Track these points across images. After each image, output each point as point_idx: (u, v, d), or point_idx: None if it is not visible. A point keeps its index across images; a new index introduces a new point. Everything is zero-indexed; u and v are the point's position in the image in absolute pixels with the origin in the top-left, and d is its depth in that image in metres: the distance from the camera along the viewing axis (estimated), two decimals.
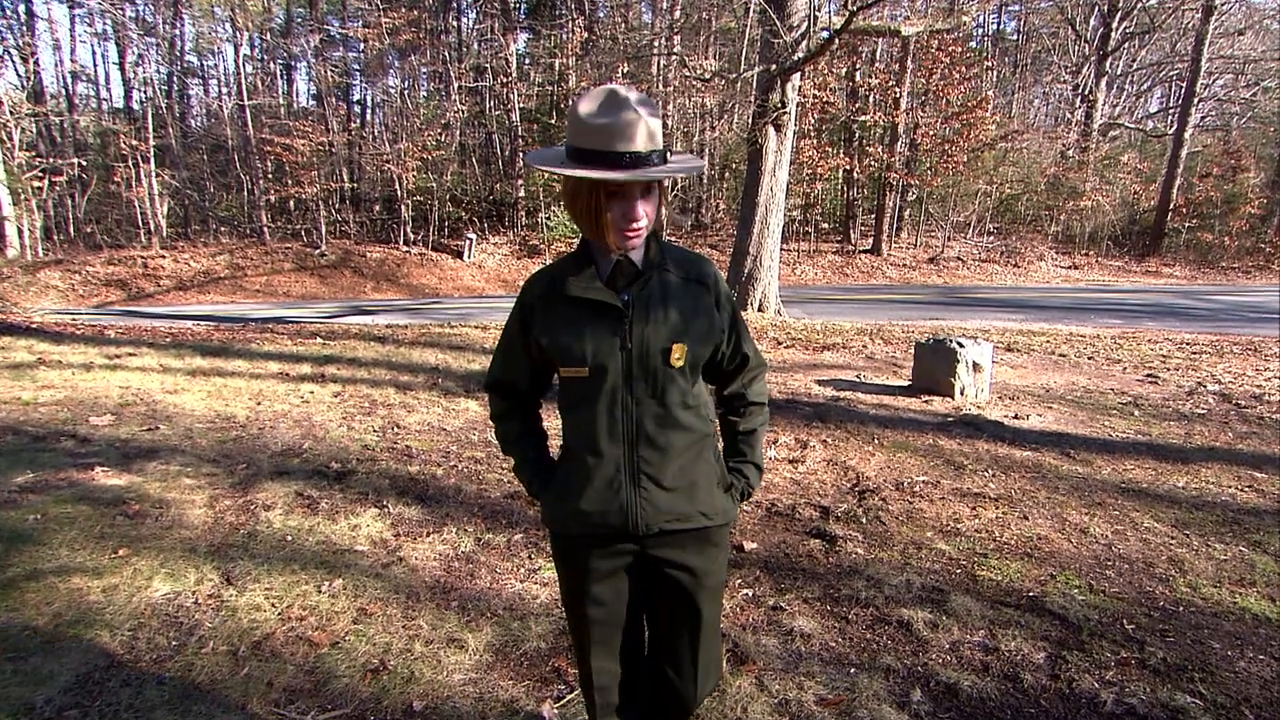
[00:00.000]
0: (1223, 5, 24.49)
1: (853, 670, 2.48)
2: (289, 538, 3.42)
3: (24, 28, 21.44)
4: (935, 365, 6.37)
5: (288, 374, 6.96)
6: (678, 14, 22.95)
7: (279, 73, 26.68)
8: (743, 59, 12.24)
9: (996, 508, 3.91)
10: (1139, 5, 26.18)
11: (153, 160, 19.97)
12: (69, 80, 22.83)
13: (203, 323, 11.15)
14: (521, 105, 24.29)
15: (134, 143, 19.63)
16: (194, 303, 16.66)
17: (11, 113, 18.57)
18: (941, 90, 21.94)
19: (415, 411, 5.82)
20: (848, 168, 23.20)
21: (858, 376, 7.12)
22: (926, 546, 3.42)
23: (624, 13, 25.46)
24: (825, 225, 25.97)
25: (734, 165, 25.31)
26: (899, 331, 9.98)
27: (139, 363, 7.16)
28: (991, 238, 25.29)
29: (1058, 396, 6.38)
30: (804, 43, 10.63)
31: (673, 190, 23.58)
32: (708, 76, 16.51)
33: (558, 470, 1.59)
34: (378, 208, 24.49)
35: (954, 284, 20.27)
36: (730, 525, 1.66)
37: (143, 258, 18.84)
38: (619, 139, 1.32)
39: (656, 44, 20.92)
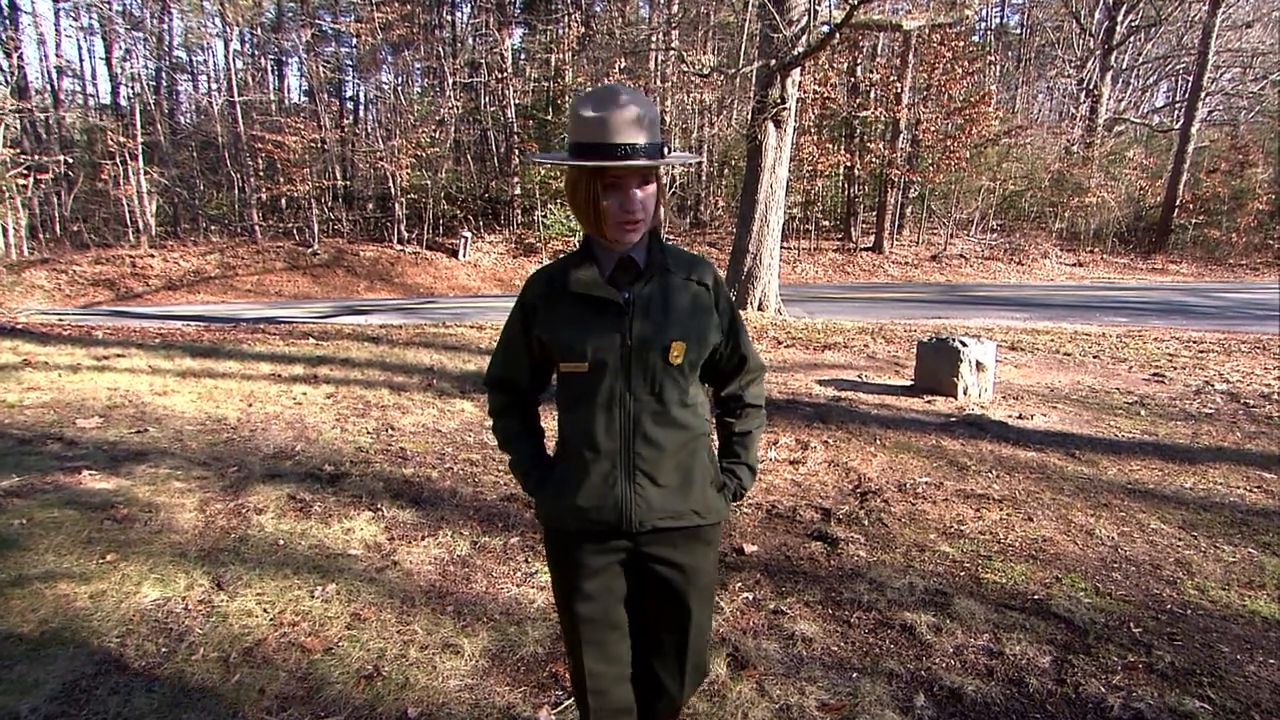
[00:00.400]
0: None
1: (855, 675, 2.48)
2: (281, 542, 3.42)
3: (7, 22, 21.37)
4: (938, 365, 6.37)
5: (280, 375, 6.95)
6: (675, 8, 22.97)
7: (270, 68, 26.69)
8: (742, 54, 12.22)
9: (1001, 509, 3.91)
10: None
11: (141, 157, 19.92)
12: (54, 76, 22.78)
13: (193, 323, 11.13)
14: (517, 101, 24.28)
15: (121, 139, 19.57)
16: (184, 303, 16.64)
17: None
18: (944, 85, 21.97)
19: (410, 413, 5.81)
20: (849, 164, 23.23)
21: (859, 376, 7.13)
22: (930, 549, 3.43)
23: (621, 7, 25.46)
24: (826, 223, 25.98)
25: (733, 162, 25.31)
26: (901, 330, 9.98)
27: (127, 364, 7.14)
28: (995, 235, 25.32)
29: (1063, 396, 6.38)
30: (804, 37, 10.63)
31: (671, 188, 23.58)
32: (706, 72, 16.51)
33: (555, 467, 1.62)
34: (371, 206, 24.47)
35: (957, 282, 20.28)
36: (721, 524, 1.70)
37: (131, 257, 18.80)
38: (614, 131, 1.36)
39: (654, 39, 20.93)
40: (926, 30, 17.73)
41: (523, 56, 26.43)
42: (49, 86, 22.69)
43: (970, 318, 11.87)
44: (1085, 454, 4.81)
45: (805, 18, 10.65)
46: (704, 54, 22.23)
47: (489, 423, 1.77)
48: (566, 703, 2.31)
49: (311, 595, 2.94)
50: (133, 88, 22.25)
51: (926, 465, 4.64)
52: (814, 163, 21.96)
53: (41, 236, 19.77)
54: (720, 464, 1.73)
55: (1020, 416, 5.69)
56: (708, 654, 1.84)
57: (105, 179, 19.86)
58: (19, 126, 21.02)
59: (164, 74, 25.13)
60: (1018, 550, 3.42)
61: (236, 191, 22.04)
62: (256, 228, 21.43)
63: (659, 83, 23.10)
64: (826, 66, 21.44)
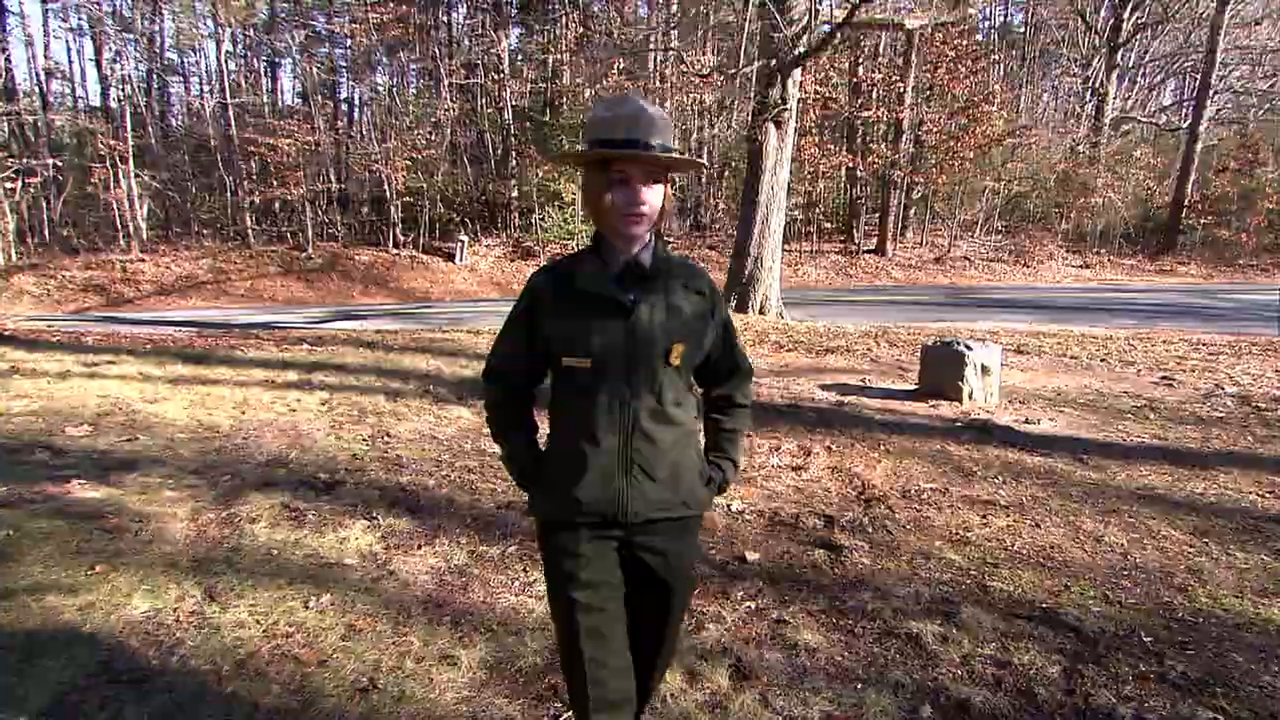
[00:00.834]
0: None
1: (860, 686, 2.47)
2: (275, 551, 3.41)
3: None
4: (942, 368, 6.37)
5: (273, 381, 6.94)
6: (674, 8, 23.00)
7: (263, 70, 26.72)
8: (742, 54, 12.23)
9: (1007, 516, 3.90)
10: None
11: (131, 161, 19.92)
12: (42, 77, 22.78)
13: (184, 329, 11.13)
14: (514, 103, 24.32)
15: (112, 142, 19.60)
16: (175, 308, 16.64)
17: None
18: (947, 85, 22.03)
19: (406, 420, 5.80)
20: (851, 165, 23.27)
21: (862, 380, 7.12)
22: (935, 556, 3.42)
23: (619, 7, 25.53)
24: (828, 225, 26.02)
25: (733, 164, 25.34)
26: (905, 334, 9.98)
27: (118, 371, 7.13)
28: (999, 236, 25.35)
29: (1070, 400, 6.38)
30: (805, 37, 10.66)
31: (673, 185, 23.59)
32: (706, 72, 16.57)
33: (549, 460, 1.71)
34: (366, 209, 24.48)
35: (961, 284, 20.30)
36: (704, 515, 1.84)
37: (122, 262, 18.82)
38: (624, 128, 1.52)
39: (653, 39, 20.97)
40: (929, 29, 17.77)
41: (520, 57, 26.50)
42: (37, 88, 22.70)
43: (975, 320, 11.88)
44: (1093, 459, 4.81)
45: (806, 17, 10.67)
46: (704, 54, 22.31)
47: (485, 414, 1.83)
48: (565, 715, 2.31)
49: (305, 606, 2.93)
50: (123, 90, 22.29)
51: (931, 471, 4.64)
52: (815, 164, 22.02)
53: (30, 241, 19.76)
54: (707, 458, 1.84)
55: (1027, 421, 5.68)
56: (678, 635, 1.96)
57: (95, 182, 19.87)
58: (6, 129, 21.04)
59: (155, 76, 25.18)
60: (1025, 557, 3.41)
61: (229, 195, 22.06)
62: (249, 232, 21.44)
63: (658, 83, 23.16)
64: (828, 66, 21.51)
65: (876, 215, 24.76)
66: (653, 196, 1.57)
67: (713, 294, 1.73)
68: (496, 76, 24.00)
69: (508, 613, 2.92)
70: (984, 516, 3.89)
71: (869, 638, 2.75)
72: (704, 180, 26.26)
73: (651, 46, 20.76)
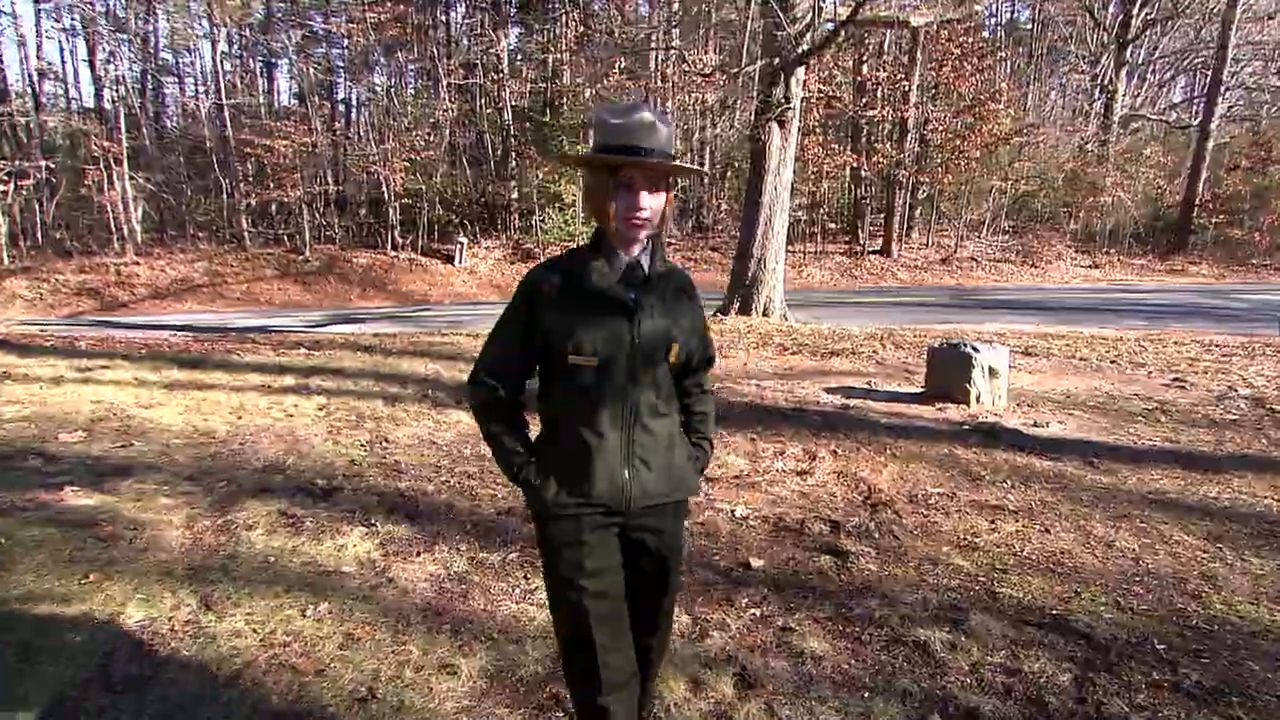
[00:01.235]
0: None
1: (867, 694, 2.46)
2: (271, 559, 3.41)
3: None
4: (949, 371, 6.36)
5: (270, 386, 6.95)
6: (676, 6, 23.08)
7: (259, 70, 26.77)
8: (744, 53, 12.27)
9: (1016, 521, 3.90)
10: None
11: (126, 163, 19.98)
12: (35, 78, 22.80)
13: (180, 333, 11.14)
14: (514, 103, 24.35)
15: (105, 144, 19.63)
16: (171, 312, 16.67)
17: None
18: (953, 83, 22.04)
19: (404, 424, 5.81)
20: (855, 165, 23.28)
21: (868, 384, 7.12)
22: (943, 562, 3.41)
23: (620, 5, 25.57)
24: (832, 226, 26.03)
25: (736, 164, 25.36)
26: (911, 336, 9.98)
27: (112, 376, 7.14)
28: (1007, 236, 25.35)
29: (1079, 402, 6.37)
30: (808, 35, 10.66)
31: (674, 192, 23.59)
32: (708, 71, 16.59)
33: (549, 454, 1.78)
34: (364, 211, 24.50)
35: (968, 285, 20.29)
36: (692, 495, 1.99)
37: (116, 265, 18.86)
38: (633, 136, 1.59)
39: (654, 38, 20.99)
40: (934, 26, 17.79)
41: (519, 57, 26.54)
42: (30, 90, 22.74)
43: (982, 322, 11.87)
44: (1104, 462, 4.80)
45: (810, 14, 10.68)
46: (706, 53, 22.34)
47: (475, 415, 1.87)
48: None
49: (303, 614, 2.93)
50: (117, 91, 22.33)
51: (939, 475, 4.63)
52: (819, 164, 22.02)
53: (22, 244, 19.78)
54: (688, 439, 1.98)
55: (1035, 424, 5.67)
56: (674, 606, 2.08)
57: (89, 185, 19.90)
58: None
59: (149, 76, 25.22)
60: (1035, 563, 3.41)
61: (225, 197, 22.10)
62: (246, 234, 21.48)
63: (659, 83, 23.19)
64: (832, 65, 21.50)
65: (881, 216, 24.77)
66: (655, 203, 1.65)
67: (693, 292, 1.88)
68: (496, 76, 24.04)
69: (508, 621, 2.92)
70: (992, 521, 3.88)
71: (876, 645, 2.75)
72: (706, 181, 26.27)
73: (653, 45, 20.81)
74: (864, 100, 23.06)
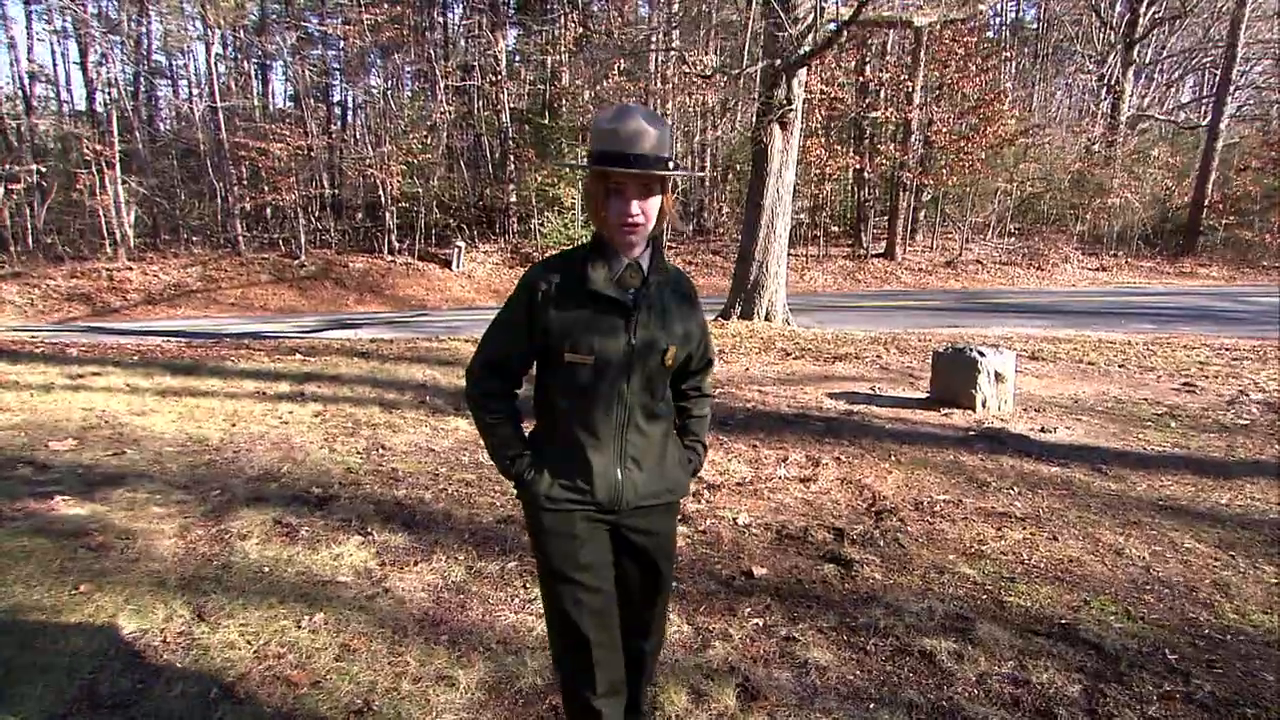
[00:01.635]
0: None
1: (873, 706, 2.46)
2: (266, 569, 3.40)
3: None
4: (955, 376, 6.36)
5: (265, 393, 6.95)
6: (676, 7, 23.13)
7: (253, 73, 26.86)
8: (745, 54, 12.28)
9: (1024, 528, 3.89)
10: None
11: (118, 166, 20.02)
12: (26, 81, 22.85)
13: (173, 339, 11.15)
14: (512, 105, 24.41)
15: (98, 148, 19.68)
16: (164, 318, 16.68)
17: None
18: (957, 83, 22.08)
19: (401, 431, 5.81)
20: (858, 167, 23.30)
21: (872, 389, 7.12)
22: (949, 571, 3.41)
23: (619, 6, 25.63)
24: (835, 228, 26.05)
25: (737, 166, 25.41)
26: (915, 340, 9.98)
27: (104, 383, 7.15)
28: (1012, 239, 25.37)
29: (1087, 407, 6.37)
30: (810, 35, 10.69)
31: (674, 193, 23.65)
32: (708, 73, 16.62)
33: (544, 451, 1.82)
34: (360, 215, 24.57)
35: (973, 289, 20.30)
36: (684, 497, 2.04)
37: (108, 270, 18.88)
38: (625, 142, 1.61)
39: (654, 39, 21.07)
40: (938, 26, 17.82)
41: (517, 59, 26.61)
42: (20, 92, 22.79)
43: (988, 326, 11.87)
44: (1112, 469, 4.79)
45: (811, 15, 10.71)
46: (706, 54, 22.37)
47: (471, 405, 1.91)
48: None
49: (298, 625, 2.92)
50: (109, 93, 22.38)
51: (944, 482, 4.62)
52: (822, 166, 22.04)
53: (13, 249, 19.82)
54: (682, 442, 2.01)
55: (1043, 429, 5.67)
56: (668, 606, 2.11)
57: (80, 189, 19.95)
58: None
59: (142, 79, 25.31)
60: (1043, 571, 3.40)
61: (219, 201, 22.14)
62: (240, 239, 21.51)
63: (659, 84, 23.24)
64: (834, 66, 21.54)
65: (885, 218, 24.79)
66: (648, 209, 1.67)
67: (694, 297, 1.90)
68: (494, 78, 24.10)
69: (507, 631, 2.91)
70: (999, 529, 3.88)
71: (881, 656, 2.74)
72: (707, 184, 26.31)
73: (653, 46, 20.88)
74: (867, 101, 23.10)
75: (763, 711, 2.42)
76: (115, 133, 20.19)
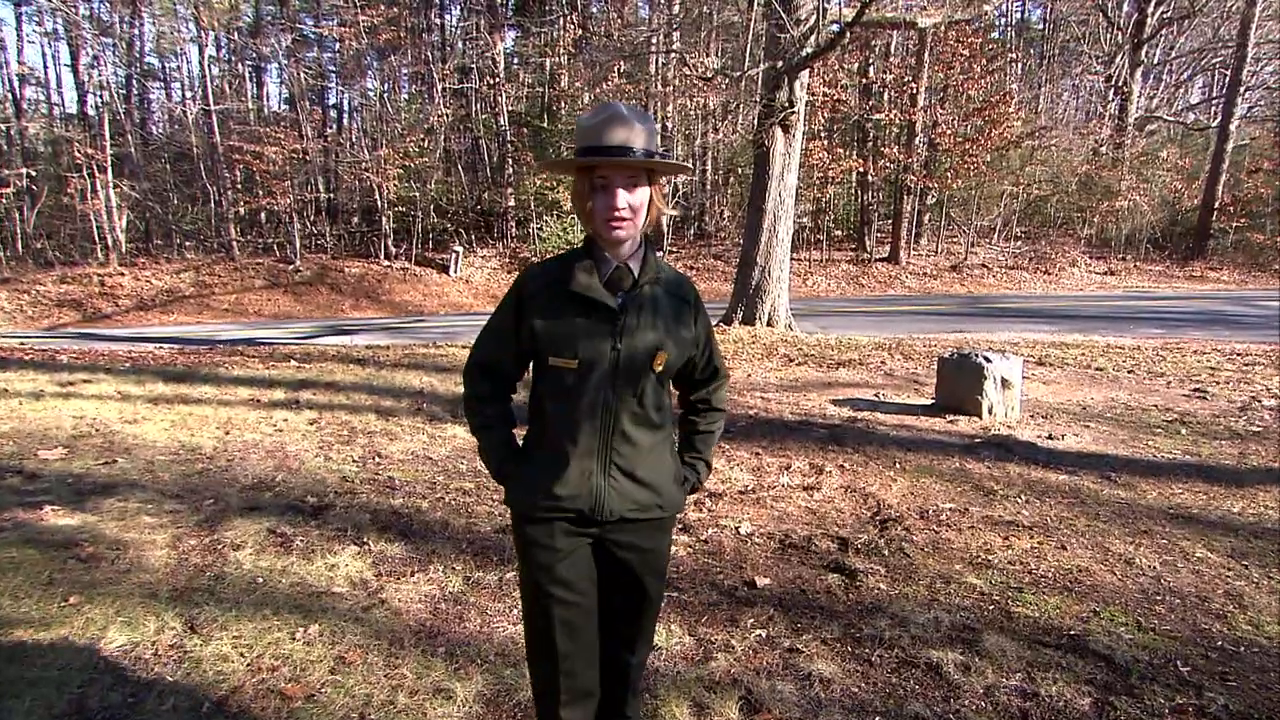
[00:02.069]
0: None
1: (877, 718, 2.45)
2: (260, 580, 3.40)
3: None
4: (960, 382, 6.36)
5: (259, 400, 6.95)
6: (677, 8, 23.17)
7: (248, 75, 26.94)
8: (747, 55, 12.31)
9: (1031, 537, 3.88)
10: None
11: (110, 170, 20.07)
12: (16, 84, 22.96)
13: (166, 345, 11.16)
14: (510, 108, 24.46)
15: (89, 151, 19.74)
16: (156, 324, 16.69)
17: None
18: (962, 85, 22.11)
19: (398, 439, 5.81)
20: (861, 170, 23.32)
21: (876, 395, 7.12)
22: (955, 580, 3.40)
23: (619, 8, 25.70)
24: (838, 232, 26.08)
25: (739, 170, 25.44)
26: (920, 346, 9.98)
27: (95, 390, 7.15)
28: (1019, 243, 25.38)
29: (1096, 414, 6.36)
30: (813, 37, 10.72)
31: (674, 198, 23.70)
32: (710, 75, 16.64)
33: (531, 455, 1.82)
34: (356, 219, 24.61)
35: (979, 293, 20.31)
36: (678, 514, 1.96)
37: (99, 275, 18.90)
38: (604, 136, 1.62)
39: (654, 41, 21.10)
40: (943, 27, 17.85)
41: (516, 61, 26.68)
42: (10, 95, 22.89)
43: (994, 331, 11.87)
44: (1122, 476, 4.79)
45: (814, 16, 10.74)
46: (707, 56, 22.40)
47: (465, 406, 1.94)
48: None
49: (292, 637, 2.92)
50: (101, 96, 22.46)
51: (950, 490, 4.62)
52: (825, 169, 22.06)
53: (2, 254, 19.87)
54: (681, 458, 1.98)
55: (1050, 437, 5.67)
56: (655, 622, 2.06)
57: (71, 193, 19.99)
58: None
59: (135, 81, 25.39)
60: (1051, 581, 3.39)
61: (213, 205, 22.19)
62: (234, 244, 21.54)
63: (660, 87, 23.26)
64: (837, 67, 21.59)
65: (889, 222, 24.80)
66: (634, 201, 1.65)
67: (696, 301, 1.86)
68: (492, 81, 24.16)
69: (506, 643, 2.91)
70: (1006, 538, 3.87)
71: (886, 667, 2.73)
72: (708, 187, 26.34)
73: (653, 48, 20.89)
74: (870, 103, 23.14)
75: None
76: (107, 136, 20.25)
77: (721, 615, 3.11)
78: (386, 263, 21.89)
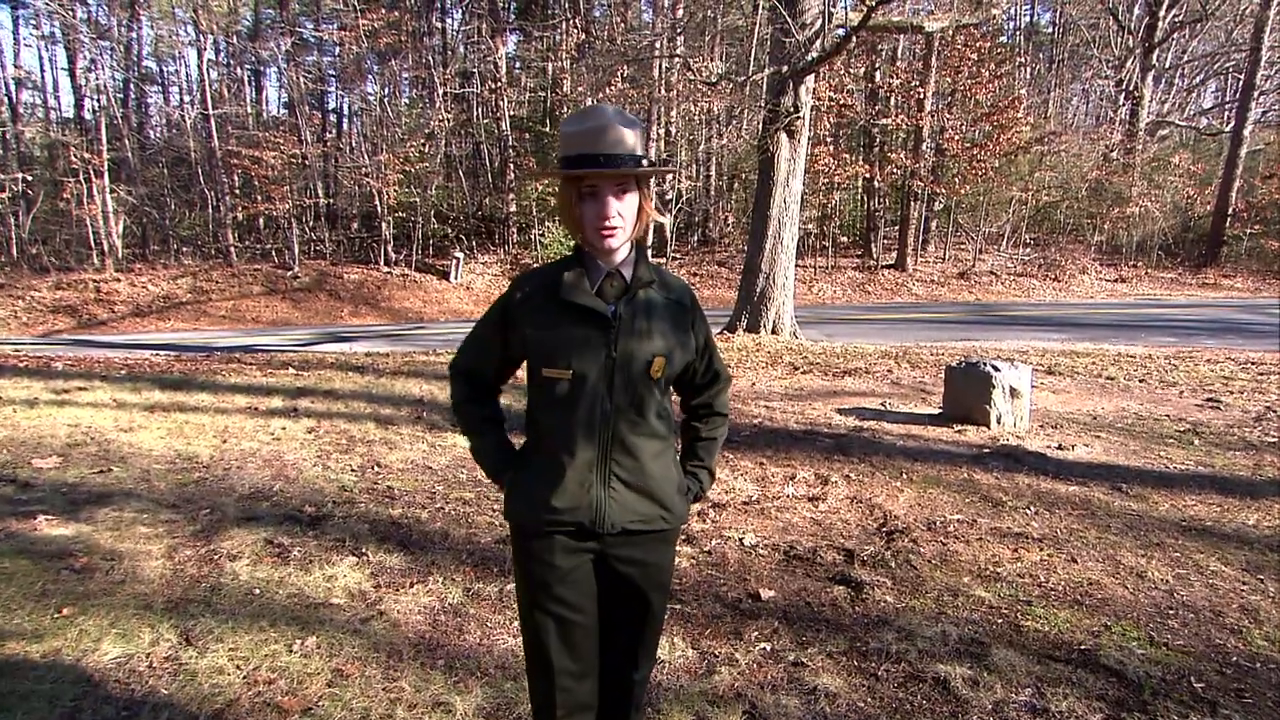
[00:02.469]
0: None
1: None
2: (257, 591, 3.40)
3: None
4: (968, 391, 6.35)
5: (256, 408, 6.97)
6: (680, 12, 23.26)
7: (247, 79, 27.05)
8: (752, 60, 12.36)
9: (1041, 549, 3.87)
10: None
11: (107, 175, 20.15)
12: (12, 87, 23.07)
13: (162, 352, 11.18)
14: (512, 113, 24.54)
15: (86, 155, 19.81)
16: (152, 330, 16.74)
17: None
18: (969, 90, 22.14)
19: (397, 448, 5.81)
20: (868, 176, 23.36)
21: (883, 404, 7.11)
22: (963, 593, 3.39)
23: (622, 12, 25.81)
24: (844, 239, 26.10)
25: (744, 175, 25.49)
26: (927, 354, 9.97)
27: (90, 398, 7.17)
28: (1028, 249, 25.37)
29: (1106, 424, 6.35)
30: (818, 41, 10.75)
31: (677, 204, 23.75)
32: (714, 80, 16.68)
33: (528, 466, 1.80)
34: (356, 225, 24.67)
35: (987, 301, 20.30)
36: (682, 525, 1.92)
37: (95, 281, 18.96)
38: (589, 143, 1.61)
39: (658, 45, 21.17)
40: (950, 31, 17.92)
41: (518, 65, 26.78)
42: (6, 99, 23.00)
43: (1003, 339, 11.86)
44: (1133, 488, 4.78)
45: (819, 20, 10.78)
46: (711, 60, 22.50)
47: (453, 406, 1.94)
48: None
49: (289, 650, 2.92)
50: (98, 100, 22.56)
51: (958, 501, 4.61)
52: (830, 175, 22.10)
53: None
54: (684, 466, 1.95)
55: (1060, 447, 5.66)
56: (659, 636, 2.04)
57: (67, 198, 20.08)
58: None
59: (132, 85, 25.49)
60: (1061, 595, 3.38)
61: (210, 211, 22.27)
62: (232, 249, 21.60)
63: (663, 92, 23.34)
64: (843, 72, 21.65)
65: (896, 228, 24.81)
66: (624, 208, 1.65)
67: (693, 305, 1.85)
68: (493, 85, 24.26)
69: (506, 656, 2.90)
70: (1015, 550, 3.86)
71: (893, 682, 2.73)
72: (712, 192, 26.38)
73: (656, 53, 20.97)
74: (877, 108, 23.19)
75: None
76: (104, 140, 20.34)
77: (725, 628, 3.11)
78: (386, 269, 21.95)
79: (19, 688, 2.65)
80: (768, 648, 2.97)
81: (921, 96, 22.23)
